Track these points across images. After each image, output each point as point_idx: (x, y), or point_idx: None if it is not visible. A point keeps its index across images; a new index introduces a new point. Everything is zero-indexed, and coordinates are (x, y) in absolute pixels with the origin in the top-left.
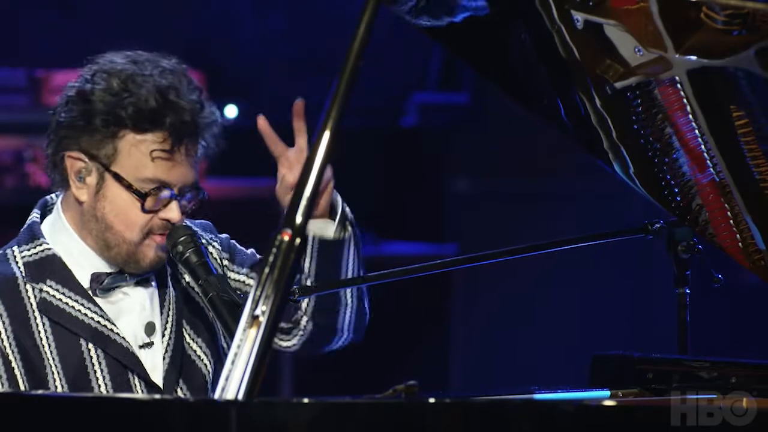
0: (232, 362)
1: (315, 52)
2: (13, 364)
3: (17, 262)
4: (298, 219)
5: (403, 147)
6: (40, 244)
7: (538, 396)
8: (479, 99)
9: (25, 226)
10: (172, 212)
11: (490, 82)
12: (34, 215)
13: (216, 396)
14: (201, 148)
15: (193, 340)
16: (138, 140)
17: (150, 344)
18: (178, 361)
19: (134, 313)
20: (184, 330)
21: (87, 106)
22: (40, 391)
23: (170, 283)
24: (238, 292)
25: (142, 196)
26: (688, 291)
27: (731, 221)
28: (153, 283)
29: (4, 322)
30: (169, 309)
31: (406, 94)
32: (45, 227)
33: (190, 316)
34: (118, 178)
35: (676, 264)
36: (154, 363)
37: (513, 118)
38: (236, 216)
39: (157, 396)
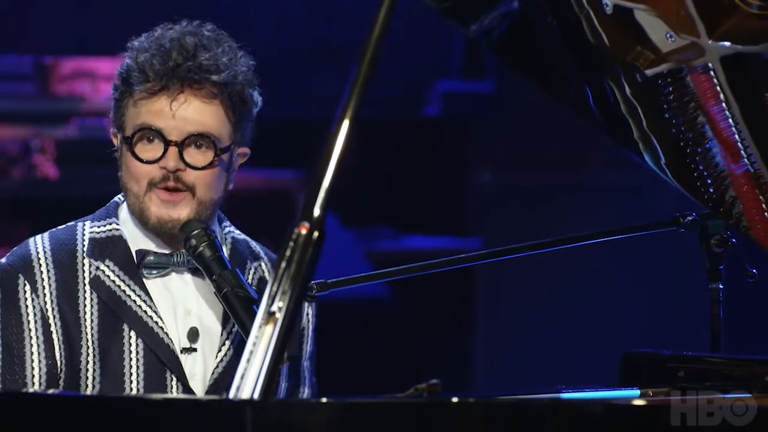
0: (248, 360)
1: (332, 42)
2: (52, 329)
3: (84, 236)
4: (316, 212)
5: (425, 137)
6: (110, 224)
7: (564, 395)
8: (504, 87)
9: (107, 204)
10: (168, 161)
11: (516, 70)
12: (118, 196)
13: (231, 395)
14: (224, 100)
15: None
16: (134, 98)
17: (192, 350)
18: (232, 374)
19: (179, 315)
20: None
21: (112, 90)
22: (50, 391)
23: None
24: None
25: (128, 141)
26: (721, 286)
27: (766, 213)
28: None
29: (51, 287)
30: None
31: (428, 82)
32: (122, 209)
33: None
34: (122, 138)
35: (708, 258)
36: (194, 370)
37: (539, 108)
38: (254, 208)
39: (170, 395)
